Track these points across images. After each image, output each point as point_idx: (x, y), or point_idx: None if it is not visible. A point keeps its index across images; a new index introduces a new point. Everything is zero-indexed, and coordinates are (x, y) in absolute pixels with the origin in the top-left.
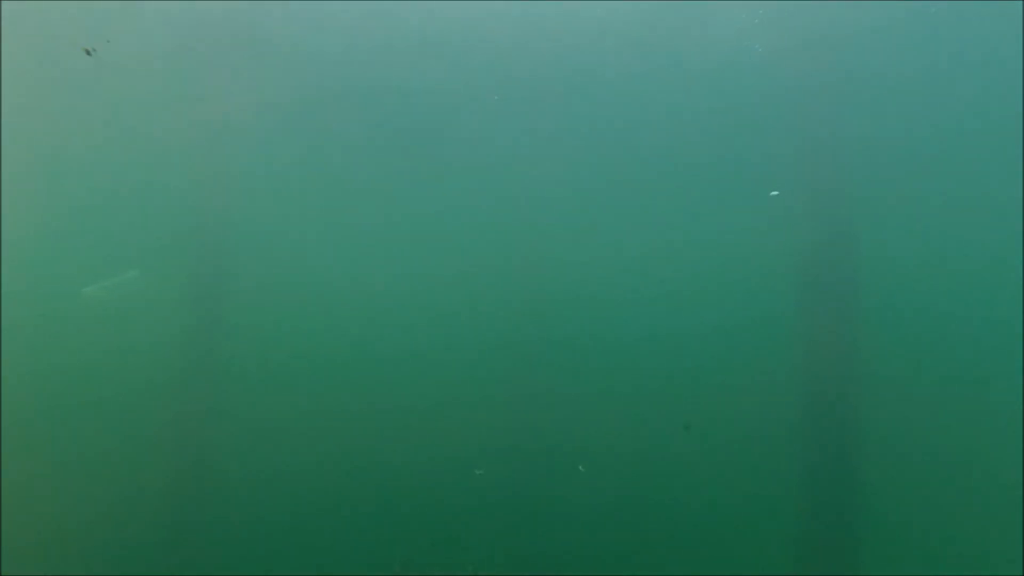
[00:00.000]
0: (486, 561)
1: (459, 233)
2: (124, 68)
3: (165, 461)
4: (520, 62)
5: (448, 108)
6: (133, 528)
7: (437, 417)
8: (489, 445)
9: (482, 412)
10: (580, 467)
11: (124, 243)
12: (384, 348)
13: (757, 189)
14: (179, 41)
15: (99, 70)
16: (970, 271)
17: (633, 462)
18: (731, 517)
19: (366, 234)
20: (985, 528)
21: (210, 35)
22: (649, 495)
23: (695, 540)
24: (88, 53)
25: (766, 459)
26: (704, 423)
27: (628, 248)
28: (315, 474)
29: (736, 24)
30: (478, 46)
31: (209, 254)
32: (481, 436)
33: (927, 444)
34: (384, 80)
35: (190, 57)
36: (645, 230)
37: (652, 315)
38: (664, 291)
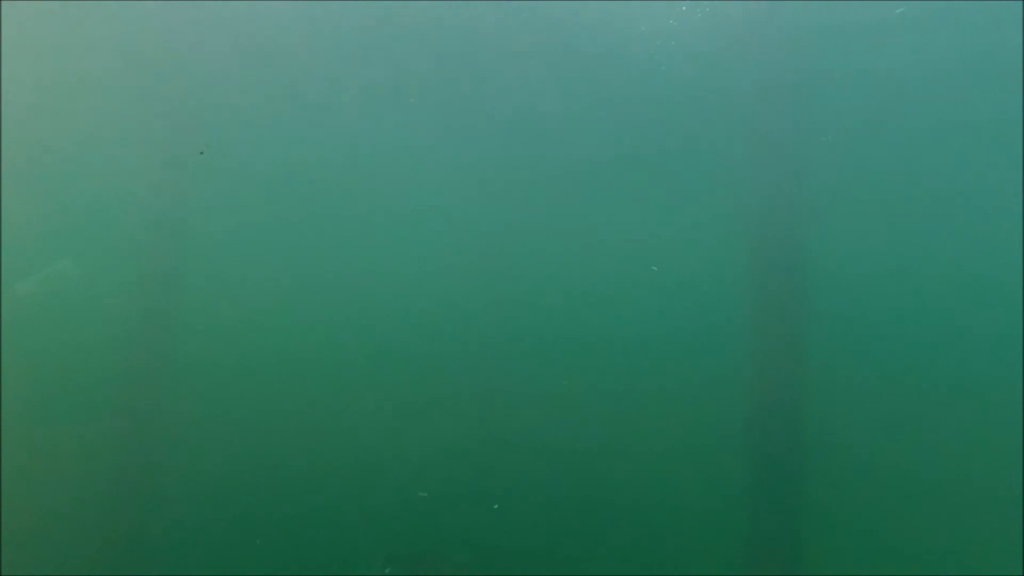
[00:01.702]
0: (461, 560)
1: (419, 229)
2: (118, 68)
3: (103, 463)
4: (501, 61)
5: (419, 102)
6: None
7: (399, 416)
8: (461, 443)
9: (453, 411)
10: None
11: (63, 234)
12: (338, 345)
13: (755, 190)
14: (171, 41)
15: (95, 70)
16: (969, 272)
17: (602, 462)
18: (730, 518)
19: (322, 226)
20: (985, 528)
21: (203, 35)
22: (619, 495)
23: (676, 542)
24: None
25: (755, 461)
26: (714, 423)
27: (603, 247)
28: (288, 469)
29: (731, 22)
30: (456, 44)
31: (152, 244)
32: (452, 435)
33: (925, 444)
34: (352, 72)
35: (176, 56)
36: (623, 229)
37: (630, 315)
38: (643, 290)
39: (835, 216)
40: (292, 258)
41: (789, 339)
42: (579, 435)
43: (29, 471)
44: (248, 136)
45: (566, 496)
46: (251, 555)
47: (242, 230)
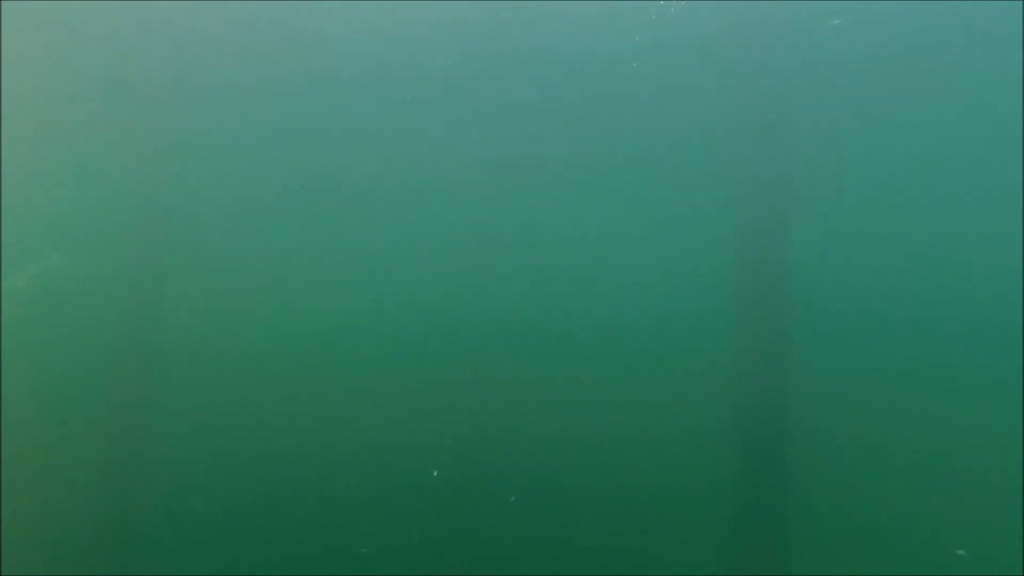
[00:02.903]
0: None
1: (413, 226)
2: (119, 68)
3: (103, 461)
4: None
5: (411, 102)
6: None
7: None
8: (454, 437)
9: (446, 406)
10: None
11: (62, 233)
12: (329, 338)
13: (753, 187)
14: (170, 41)
15: (95, 70)
16: (969, 273)
17: (597, 458)
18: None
19: (321, 220)
20: (985, 528)
21: (203, 35)
22: (610, 491)
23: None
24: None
25: (752, 461)
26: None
27: (600, 244)
28: (291, 465)
29: (728, 21)
30: (449, 44)
31: (152, 243)
32: (445, 430)
33: (923, 443)
34: (350, 70)
35: (175, 55)
36: (619, 226)
37: (620, 312)
38: (636, 287)
39: (833, 215)
40: (290, 253)
41: (785, 337)
42: (574, 432)
43: (27, 469)
44: (245, 133)
45: (555, 492)
46: (254, 553)
47: (240, 226)
